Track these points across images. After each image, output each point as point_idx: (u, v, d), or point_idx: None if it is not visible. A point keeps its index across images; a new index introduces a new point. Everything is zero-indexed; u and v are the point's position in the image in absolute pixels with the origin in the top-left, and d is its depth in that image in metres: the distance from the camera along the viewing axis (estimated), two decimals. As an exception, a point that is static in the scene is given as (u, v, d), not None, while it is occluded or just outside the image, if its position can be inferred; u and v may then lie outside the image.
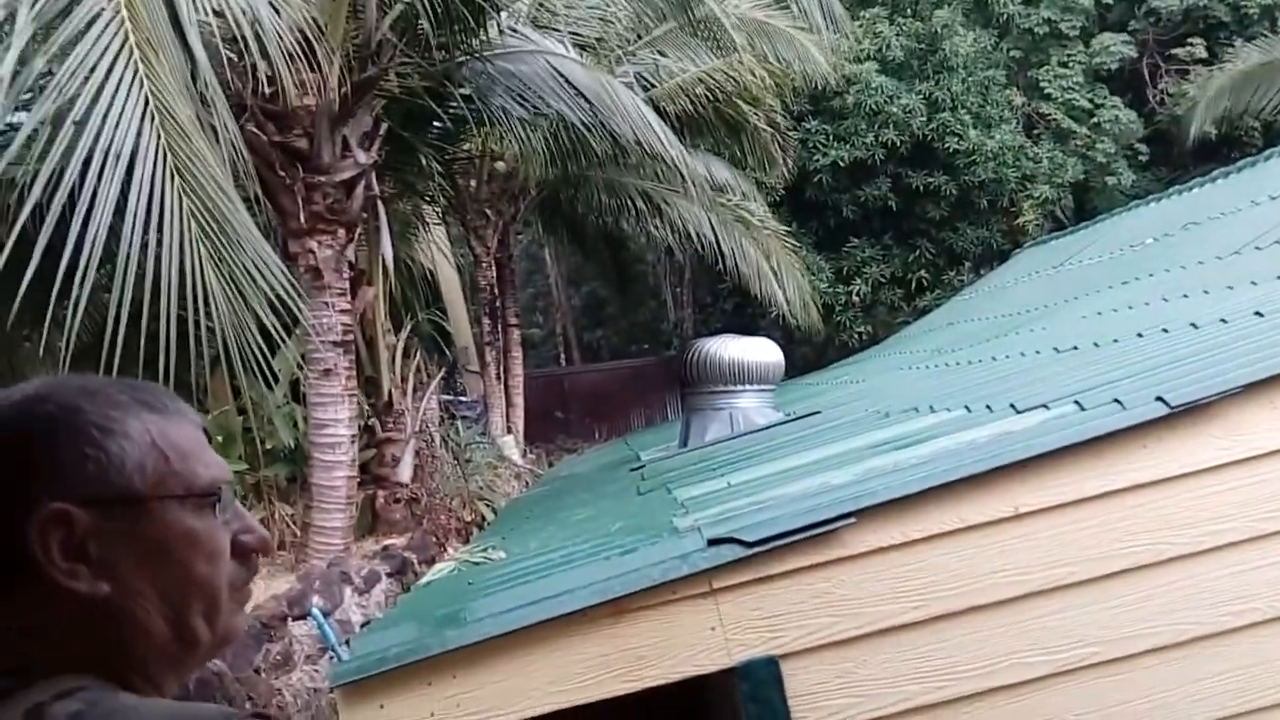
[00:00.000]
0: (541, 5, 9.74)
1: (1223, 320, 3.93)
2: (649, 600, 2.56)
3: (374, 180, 7.63)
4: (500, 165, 12.94)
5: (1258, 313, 3.72)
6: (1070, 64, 17.81)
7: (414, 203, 10.45)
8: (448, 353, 13.56)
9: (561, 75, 8.44)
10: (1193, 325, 4.11)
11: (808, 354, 16.03)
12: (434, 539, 7.97)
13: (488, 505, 9.20)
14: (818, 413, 5.91)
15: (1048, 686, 2.51)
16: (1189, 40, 17.88)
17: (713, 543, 2.62)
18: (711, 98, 12.01)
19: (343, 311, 7.00)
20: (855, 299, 17.03)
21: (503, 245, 13.83)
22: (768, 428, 5.99)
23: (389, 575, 6.94)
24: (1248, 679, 2.51)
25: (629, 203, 13.30)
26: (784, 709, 2.52)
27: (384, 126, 7.50)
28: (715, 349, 6.50)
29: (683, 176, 9.40)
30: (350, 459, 7.00)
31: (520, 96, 8.39)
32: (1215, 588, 2.51)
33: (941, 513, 2.54)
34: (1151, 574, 2.51)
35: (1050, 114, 17.61)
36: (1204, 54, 17.47)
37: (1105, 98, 17.65)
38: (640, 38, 12.14)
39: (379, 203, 7.95)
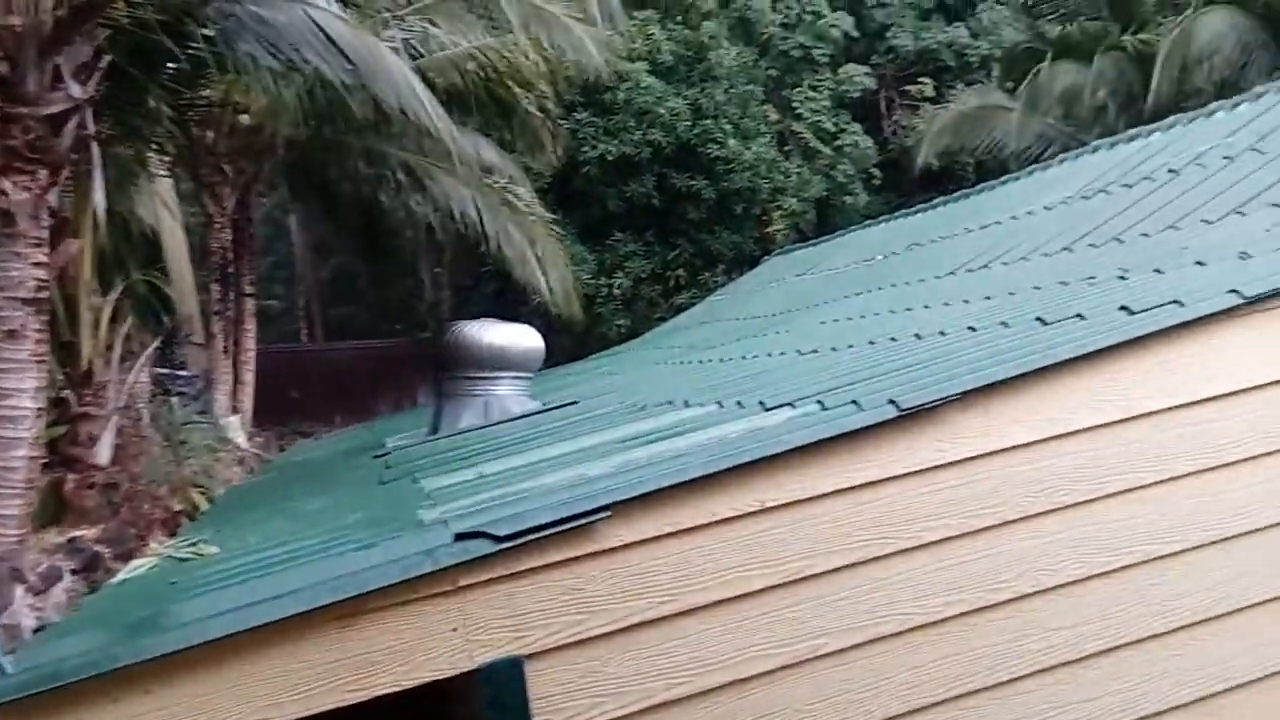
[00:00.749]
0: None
1: (942, 333, 4.29)
2: (386, 600, 2.39)
3: (89, 119, 6.61)
4: (245, 119, 11.82)
5: (970, 327, 4.09)
6: (820, 89, 18.92)
7: (137, 149, 9.26)
8: (165, 320, 12.25)
9: (321, 29, 7.85)
10: (916, 336, 4.46)
11: (567, 344, 16.13)
12: (134, 531, 7.17)
13: (203, 493, 8.34)
14: (575, 403, 5.92)
15: (783, 678, 2.61)
16: (920, 79, 19.46)
17: (460, 537, 2.49)
18: (483, 76, 11.70)
19: (37, 265, 6.07)
20: (616, 292, 17.32)
21: (242, 206, 12.69)
22: (524, 416, 5.93)
23: (74, 572, 6.24)
24: (959, 665, 2.73)
25: (390, 174, 12.69)
26: (524, 712, 2.45)
27: (106, 59, 6.56)
28: (474, 333, 6.36)
29: (450, 152, 9.12)
30: (33, 436, 6.10)
31: (272, 45, 7.67)
32: (931, 579, 2.72)
33: (693, 507, 2.60)
34: (876, 567, 2.68)
35: (801, 132, 18.63)
36: (932, 93, 19.07)
37: (848, 123, 18.88)
38: (411, 3, 11.72)
39: (94, 145, 6.92)
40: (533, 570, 2.50)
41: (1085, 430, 2.82)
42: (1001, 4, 19.35)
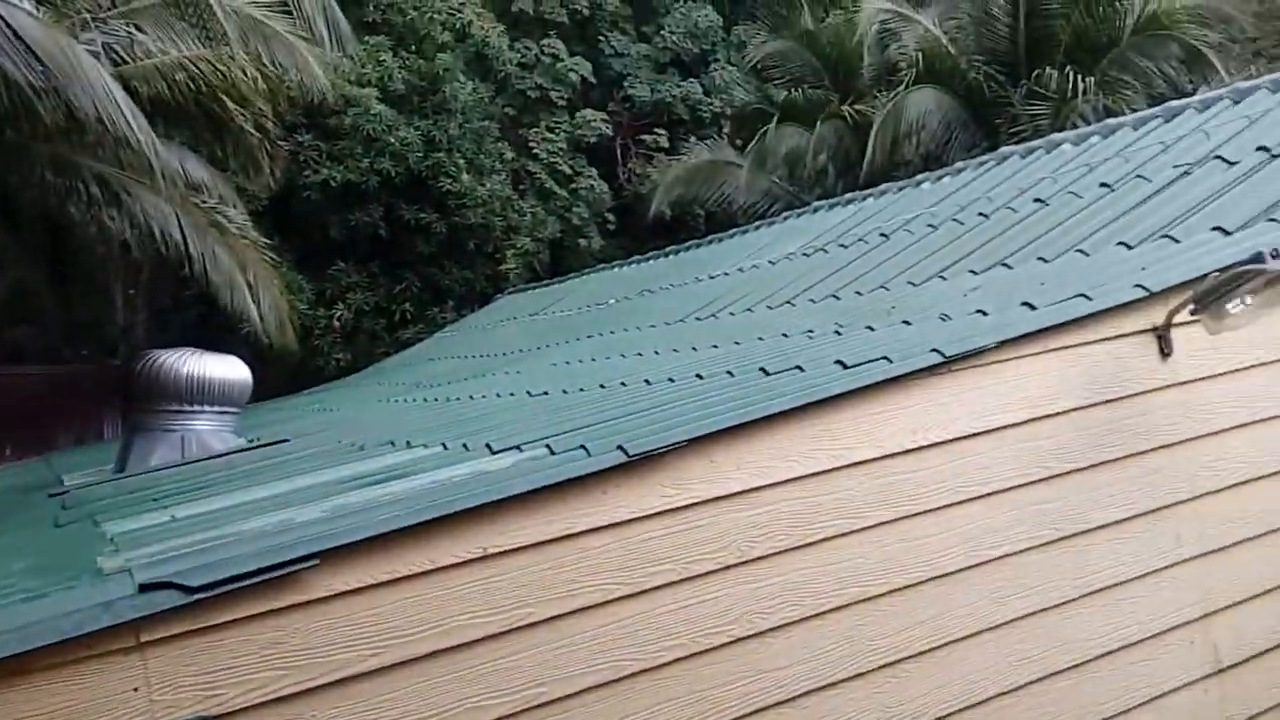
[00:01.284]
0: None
1: (670, 379, 4.36)
2: (55, 659, 2.11)
3: None
4: None
5: (698, 375, 4.19)
6: (557, 130, 19.20)
7: None
8: None
9: (7, 24, 7.19)
10: (646, 381, 4.52)
11: (280, 377, 15.28)
12: None
13: None
14: (286, 441, 5.57)
15: (497, 729, 2.51)
16: (655, 130, 20.20)
17: (145, 588, 2.23)
18: (194, 88, 10.96)
19: None
20: (336, 324, 16.66)
21: None
22: (226, 454, 5.51)
23: None
24: (675, 709, 2.72)
25: (81, 186, 11.54)
26: (215, 776, 2.21)
27: None
28: (172, 362, 5.84)
29: (151, 166, 8.46)
30: None
31: None
32: (652, 625, 2.70)
33: (411, 554, 2.45)
34: (599, 613, 2.64)
35: (536, 172, 18.80)
36: (666, 144, 19.85)
37: (584, 167, 19.26)
38: (115, 6, 10.85)
39: None
40: (229, 624, 2.27)
41: (802, 478, 2.92)
42: (733, 65, 20.46)
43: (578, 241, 18.86)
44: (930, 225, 6.18)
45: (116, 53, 10.34)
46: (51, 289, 17.59)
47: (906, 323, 4.09)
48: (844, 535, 2.97)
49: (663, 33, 20.68)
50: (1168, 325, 3.57)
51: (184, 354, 5.93)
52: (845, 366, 3.17)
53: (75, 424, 16.13)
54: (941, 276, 5.09)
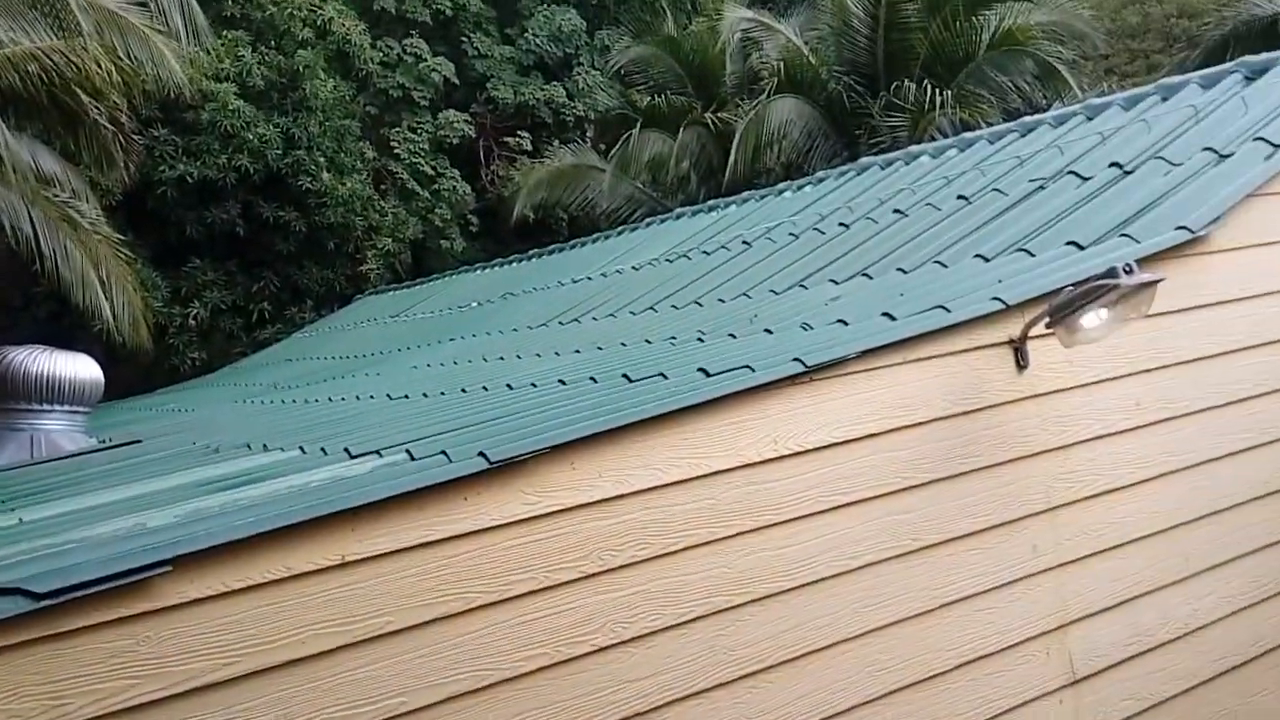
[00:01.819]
0: None
1: (533, 384, 4.39)
2: None
3: None
4: None
5: (561, 380, 4.23)
6: (419, 131, 18.92)
7: None
8: None
9: None
10: (508, 386, 4.53)
11: (132, 376, 14.64)
12: None
13: None
14: (138, 442, 5.40)
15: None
16: (519, 132, 20.12)
17: (-11, 594, 2.15)
18: (47, 80, 10.49)
19: None
20: (192, 322, 16.07)
21: None
22: (77, 455, 5.33)
23: None
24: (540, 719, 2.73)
25: (-77, 177, 11.00)
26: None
27: None
28: (20, 359, 5.68)
29: (0, 159, 8.04)
30: None
31: None
32: (513, 634, 2.70)
33: (268, 561, 2.41)
34: (460, 621, 2.63)
35: (398, 172, 18.49)
36: (530, 147, 19.79)
37: (446, 168, 19.01)
38: (-37, -6, 10.26)
39: None
40: (77, 631, 2.20)
41: (664, 486, 2.95)
42: (596, 70, 20.53)
43: (440, 243, 18.63)
44: (792, 234, 6.32)
45: (-37, 43, 9.79)
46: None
47: (768, 331, 4.17)
48: (705, 544, 3.00)
49: (526, 35, 20.62)
50: (1024, 338, 3.65)
51: (33, 351, 5.76)
52: (708, 375, 3.23)
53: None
54: (803, 285, 5.21)
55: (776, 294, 5.23)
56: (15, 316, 17.17)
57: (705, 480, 3.02)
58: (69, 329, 14.54)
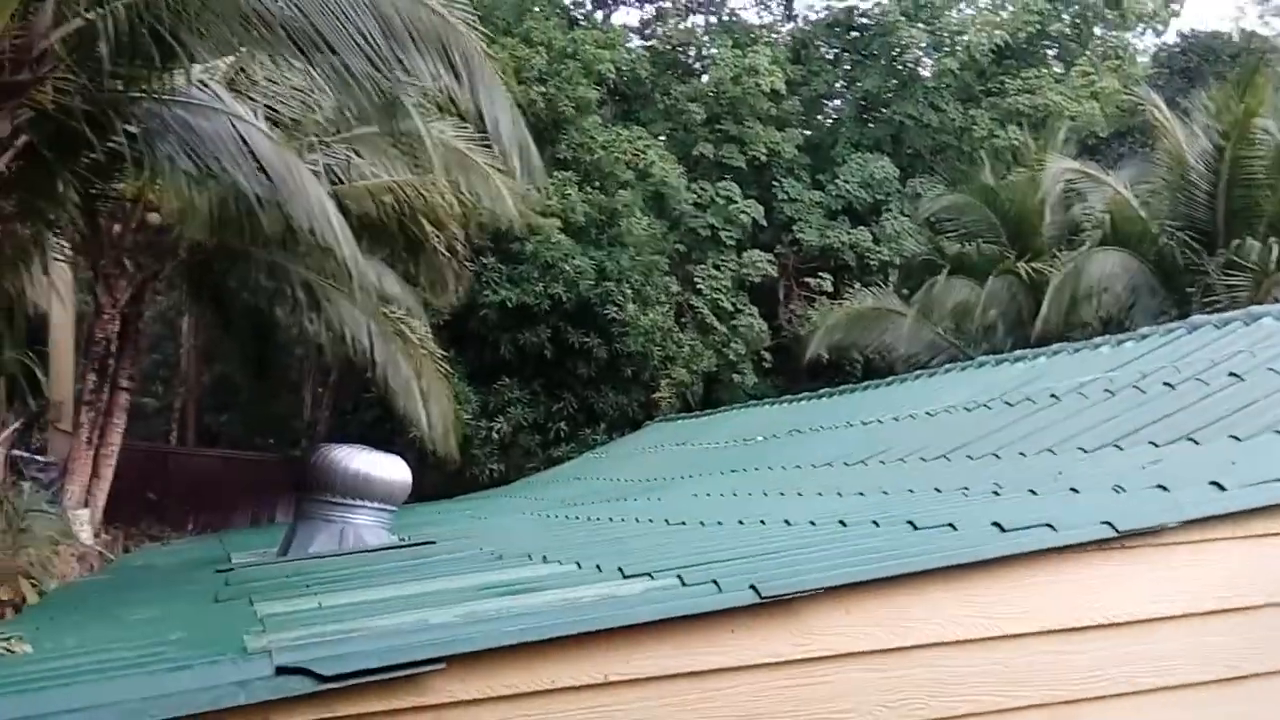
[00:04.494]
0: (241, 70, 9.26)
1: (811, 523, 4.25)
2: None
3: None
4: (154, 217, 11.78)
5: (841, 521, 4.07)
6: (723, 268, 19.56)
7: (37, 230, 9.21)
8: (31, 403, 11.84)
9: (245, 141, 7.99)
10: (786, 522, 4.42)
11: (437, 480, 15.78)
12: None
13: (35, 585, 7.85)
14: (433, 542, 5.71)
15: None
16: (821, 274, 20.29)
17: (282, 671, 2.27)
18: (398, 210, 11.87)
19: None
20: (495, 436, 17.14)
21: (135, 301, 12.51)
22: (378, 549, 5.70)
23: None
24: None
25: (288, 290, 12.58)
26: None
27: (23, 139, 6.65)
28: (341, 457, 6.17)
29: (351, 276, 9.08)
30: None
31: (193, 150, 7.79)
32: (773, 780, 2.56)
33: (534, 670, 2.42)
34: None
35: (699, 307, 19.11)
36: (830, 288, 19.86)
37: (746, 304, 19.47)
38: (339, 132, 11.86)
39: None
40: (353, 717, 2.28)
41: (948, 644, 2.73)
42: (905, 216, 20.46)
43: (732, 376, 18.94)
44: (1108, 390, 5.83)
45: (334, 172, 11.24)
46: (251, 382, 18.96)
47: (1074, 490, 3.84)
48: (987, 714, 2.75)
49: (837, 181, 20.96)
50: None
51: (352, 450, 6.24)
52: (1002, 530, 2.98)
53: (253, 506, 17.08)
54: (1117, 446, 4.76)
55: (1086, 452, 4.80)
56: (345, 420, 19.11)
57: (994, 643, 2.77)
58: (388, 433, 15.96)
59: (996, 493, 4.21)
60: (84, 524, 11.15)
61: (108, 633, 3.87)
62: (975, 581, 2.78)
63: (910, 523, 3.47)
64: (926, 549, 2.96)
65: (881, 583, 2.71)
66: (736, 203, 19.95)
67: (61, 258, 11.58)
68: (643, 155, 19.33)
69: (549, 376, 17.91)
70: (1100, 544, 2.90)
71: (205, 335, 20.47)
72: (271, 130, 8.76)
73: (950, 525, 3.27)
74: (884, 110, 22.53)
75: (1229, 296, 12.45)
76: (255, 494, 17.45)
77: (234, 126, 8.03)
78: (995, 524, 3.05)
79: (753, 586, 2.64)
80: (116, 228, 11.83)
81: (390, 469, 6.31)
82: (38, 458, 12.65)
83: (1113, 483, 3.75)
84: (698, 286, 19.35)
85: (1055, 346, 7.87)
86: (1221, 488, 3.28)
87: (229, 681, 2.25)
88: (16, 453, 10.81)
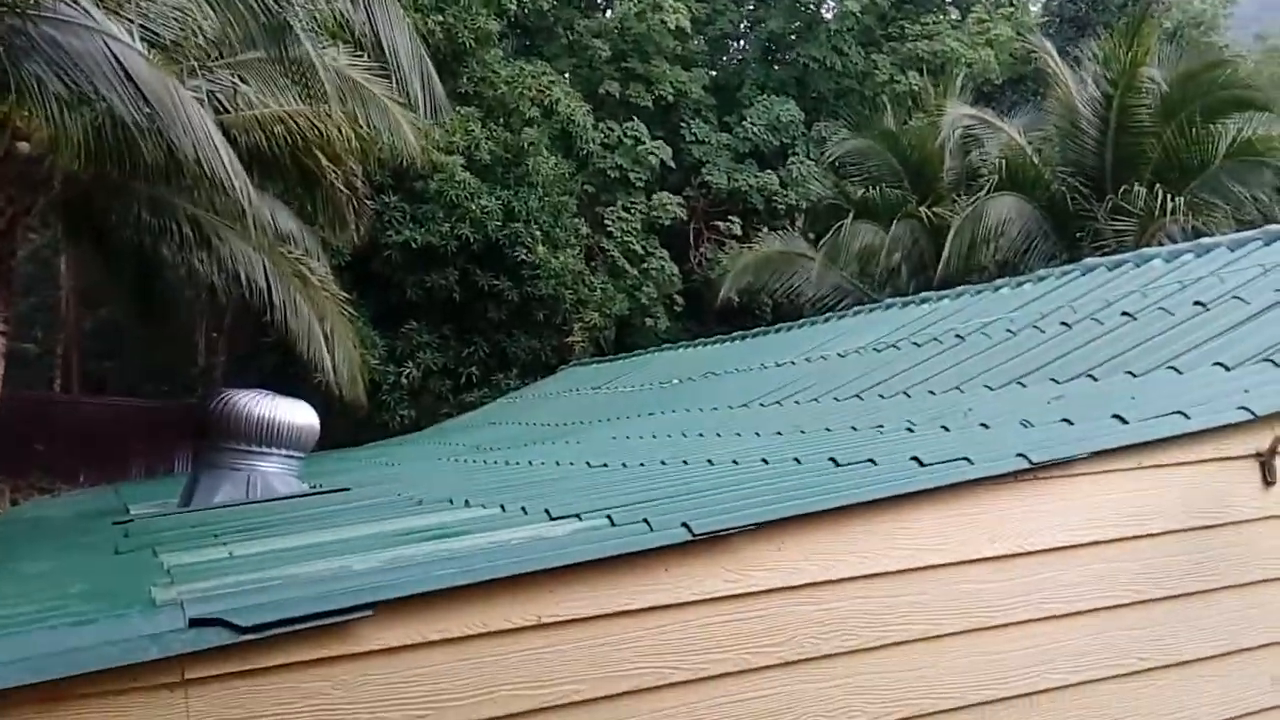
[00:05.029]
0: (114, -16, 8.66)
1: (734, 462, 4.28)
2: (96, 687, 2.06)
3: None
4: (24, 146, 10.90)
5: (764, 460, 4.11)
6: (633, 210, 19.47)
7: None
8: None
9: (120, 63, 7.42)
10: (709, 462, 4.44)
11: (345, 428, 15.49)
12: None
13: None
14: (347, 489, 5.59)
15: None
16: (730, 217, 20.36)
17: (195, 623, 2.18)
18: (290, 142, 11.32)
19: None
20: (404, 381, 16.89)
21: (6, 237, 11.59)
22: (290, 497, 5.55)
23: None
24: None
25: (174, 227, 11.88)
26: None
27: None
28: (245, 402, 5.96)
29: (244, 212, 8.69)
30: None
31: (63, 70, 7.24)
32: (704, 717, 2.58)
33: (465, 615, 2.38)
34: (650, 697, 2.53)
35: (609, 250, 19.03)
36: (739, 231, 19.97)
37: (656, 248, 19.45)
38: (223, 56, 11.29)
39: None
40: (276, 668, 2.21)
41: (873, 576, 2.80)
42: (811, 160, 20.62)
43: (644, 320, 18.96)
44: (1009, 330, 6.03)
45: (220, 101, 10.68)
46: (138, 327, 18.18)
47: (985, 425, 3.95)
48: (915, 641, 2.83)
49: (744, 123, 20.98)
50: (1273, 451, 3.40)
51: (257, 395, 6.04)
52: (921, 464, 3.06)
53: (148, 456, 16.53)
54: (1020, 383, 4.93)
55: (992, 389, 4.96)
56: (243, 364, 18.56)
57: (918, 574, 2.85)
58: (291, 379, 15.53)
59: (911, 429, 4.30)
60: (-35, 477, 10.67)
61: (2, 587, 3.67)
62: (900, 515, 2.85)
63: (832, 459, 3.53)
64: (851, 484, 3.00)
65: (809, 518, 2.75)
66: (644, 144, 19.82)
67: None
68: (548, 92, 19.01)
69: (459, 320, 17.67)
70: (1015, 475, 3.00)
71: (85, 276, 19.56)
72: (149, 52, 8.24)
73: (871, 461, 3.34)
74: (789, 53, 22.57)
75: (1116, 240, 12.96)
76: (150, 443, 16.89)
77: (108, 46, 7.47)
78: (914, 459, 3.12)
79: (685, 524, 2.64)
80: (-18, 157, 11.05)
81: (297, 414, 6.13)
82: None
83: (1020, 417, 3.87)
84: (608, 229, 19.25)
85: (957, 289, 8.06)
86: (1124, 420, 3.42)
87: (140, 635, 2.15)
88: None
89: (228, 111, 10.75)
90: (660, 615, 2.56)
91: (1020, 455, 3.01)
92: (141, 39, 8.13)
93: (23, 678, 1.99)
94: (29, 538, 6.10)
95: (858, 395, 5.74)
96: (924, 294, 8.48)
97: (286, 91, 11.40)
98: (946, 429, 4.10)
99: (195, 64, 10.16)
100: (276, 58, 10.05)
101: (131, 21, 8.14)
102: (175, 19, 9.00)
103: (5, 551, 5.42)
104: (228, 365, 18.92)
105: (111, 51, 7.42)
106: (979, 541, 2.94)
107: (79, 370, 21.26)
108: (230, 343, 19.28)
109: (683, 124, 20.94)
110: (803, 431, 5.02)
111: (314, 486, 5.92)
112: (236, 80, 11.20)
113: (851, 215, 16.44)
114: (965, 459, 3.01)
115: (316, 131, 11.39)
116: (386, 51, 10.10)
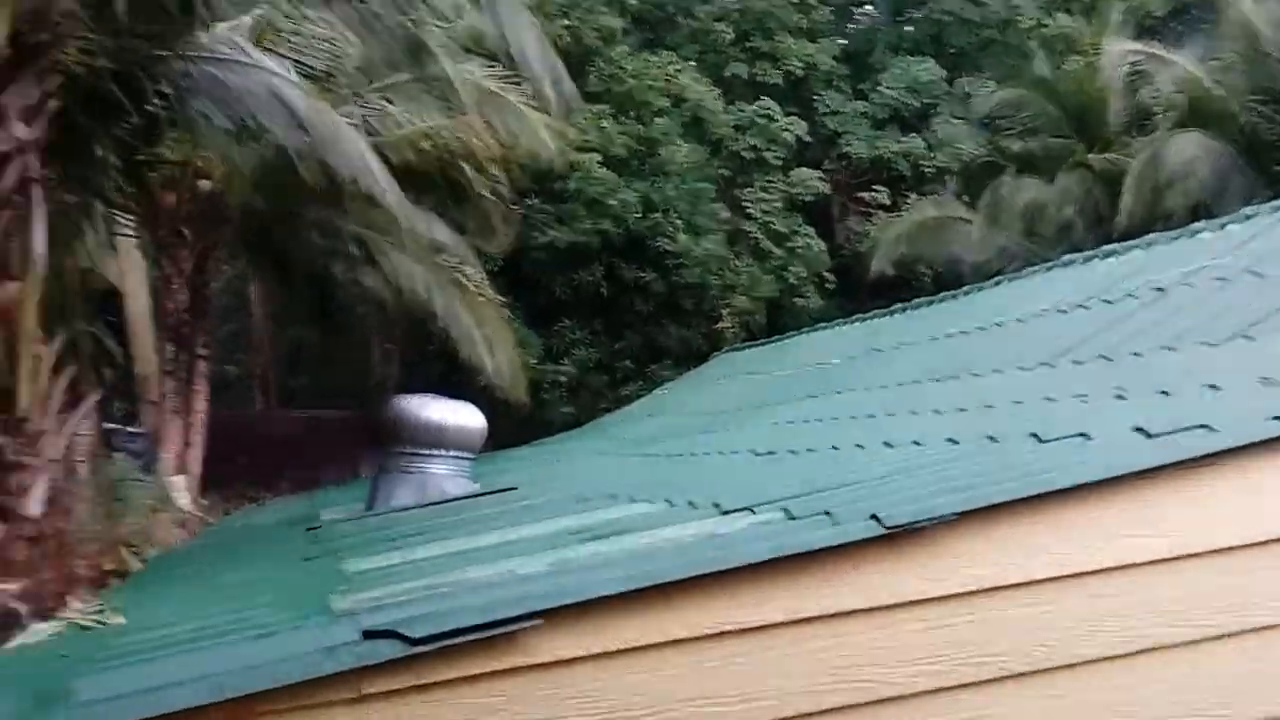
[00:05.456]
0: (268, 24, 9.10)
1: (916, 443, 3.94)
2: (278, 704, 1.96)
3: (34, 162, 6.65)
4: (205, 184, 12.15)
5: (951, 439, 3.76)
6: (771, 190, 19.05)
7: (84, 199, 9.21)
8: (104, 374, 12.18)
9: (279, 96, 7.93)
10: (886, 444, 4.11)
11: (509, 428, 15.72)
12: (55, 588, 6.76)
13: (136, 553, 8.12)
14: (514, 489, 5.57)
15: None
16: (875, 187, 19.65)
17: (369, 634, 2.07)
18: (437, 156, 11.80)
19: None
20: (562, 379, 17.08)
21: (200, 270, 12.98)
22: (460, 499, 5.60)
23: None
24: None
25: (342, 246, 12.70)
26: None
27: (55, 104, 6.60)
28: (414, 408, 6.12)
29: (400, 226, 8.98)
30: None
31: (227, 106, 7.76)
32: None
33: (643, 622, 2.16)
34: (860, 714, 2.24)
35: (752, 232, 18.69)
36: (887, 201, 19.24)
37: (800, 226, 18.97)
38: (371, 83, 11.75)
39: (35, 188, 6.88)
40: (450, 682, 2.07)
41: (1109, 570, 2.38)
42: (959, 119, 19.71)
43: (794, 301, 18.54)
44: (1219, 278, 5.34)
45: (371, 124, 11.20)
46: (321, 343, 19.21)
47: (1214, 387, 3.44)
48: (1170, 648, 2.39)
49: (880, 88, 20.25)
50: None
51: (425, 400, 6.17)
52: (1148, 435, 2.64)
53: (339, 464, 17.35)
54: (1247, 337, 4.30)
55: (1213, 346, 4.35)
56: (411, 371, 19.16)
57: (1168, 565, 2.41)
58: (457, 384, 15.85)
59: (1121, 397, 3.82)
60: (180, 490, 11.59)
61: (202, 598, 3.80)
62: (1137, 495, 2.43)
63: (1034, 435, 3.14)
64: (1064, 461, 2.63)
65: (1022, 503, 2.37)
66: (777, 120, 19.38)
67: (125, 233, 11.75)
68: (675, 80, 18.85)
69: (608, 315, 17.75)
70: (1271, 443, 2.51)
71: (273, 301, 20.68)
72: (304, 83, 8.67)
73: (1083, 435, 2.94)
74: (921, 9, 21.64)
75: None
76: (340, 451, 17.73)
77: (266, 81, 7.97)
78: (1138, 429, 2.71)
79: (874, 516, 2.33)
80: (170, 198, 12.10)
81: (465, 416, 6.23)
82: (128, 429, 13.11)
83: (1258, 375, 3.35)
84: (748, 211, 18.92)
85: (1149, 237, 7.33)
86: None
87: (315, 649, 2.05)
88: (108, 426, 11.18)
89: (379, 134, 11.24)
90: (858, 621, 2.26)
91: (1276, 418, 2.53)
92: (297, 72, 8.55)
93: (201, 697, 1.92)
94: (231, 547, 6.42)
95: (1046, 363, 5.23)
96: (1108, 246, 7.78)
97: (430, 109, 11.82)
98: (1166, 394, 3.61)
99: (347, 91, 10.64)
100: (416, 75, 10.46)
101: (285, 56, 8.56)
102: (324, 50, 9.42)
103: (208, 561, 5.70)
104: (401, 374, 19.60)
105: (270, 86, 7.85)
106: (1246, 524, 2.48)
107: (275, 387, 22.51)
108: (401, 352, 19.95)
109: (815, 97, 20.38)
110: (989, 406, 4.58)
111: (484, 486, 5.97)
112: (384, 103, 11.69)
113: (1011, 171, 15.55)
114: (1205, 426, 2.58)
115: (459, 142, 11.84)
116: (515, 53, 10.33)
